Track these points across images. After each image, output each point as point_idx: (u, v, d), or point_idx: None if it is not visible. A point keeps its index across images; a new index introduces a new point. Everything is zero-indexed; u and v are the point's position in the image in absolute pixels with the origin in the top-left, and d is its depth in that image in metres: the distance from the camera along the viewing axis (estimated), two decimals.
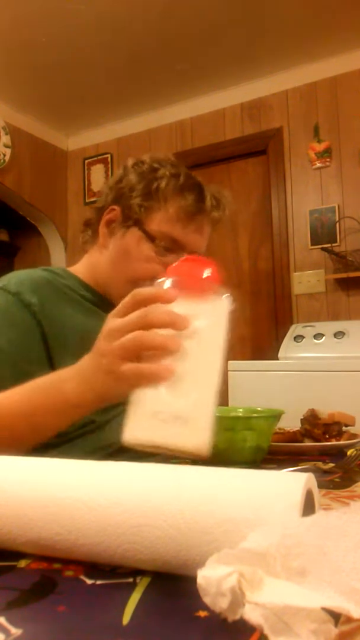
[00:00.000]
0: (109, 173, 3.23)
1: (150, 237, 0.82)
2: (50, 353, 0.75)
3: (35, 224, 3.38)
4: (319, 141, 2.64)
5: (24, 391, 0.59)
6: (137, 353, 0.48)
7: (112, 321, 0.52)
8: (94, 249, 0.90)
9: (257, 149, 2.83)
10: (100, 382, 0.52)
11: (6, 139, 2.96)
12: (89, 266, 0.90)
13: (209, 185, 0.88)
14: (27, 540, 0.35)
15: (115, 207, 0.85)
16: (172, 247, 0.82)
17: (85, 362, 0.55)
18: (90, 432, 0.76)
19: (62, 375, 0.57)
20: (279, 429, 0.84)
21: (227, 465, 0.36)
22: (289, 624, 0.22)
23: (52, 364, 0.74)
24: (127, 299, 0.52)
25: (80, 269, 0.90)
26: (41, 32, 2.38)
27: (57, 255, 3.40)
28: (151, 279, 0.79)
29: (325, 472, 0.65)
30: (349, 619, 0.24)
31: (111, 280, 0.86)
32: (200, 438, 0.42)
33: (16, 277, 0.79)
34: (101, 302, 0.86)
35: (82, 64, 2.63)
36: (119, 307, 0.53)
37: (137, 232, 0.83)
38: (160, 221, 0.83)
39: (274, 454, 0.74)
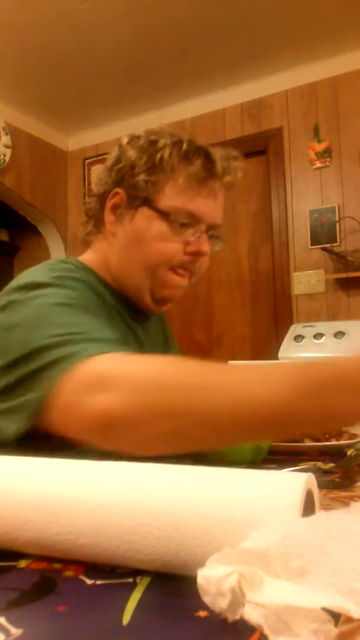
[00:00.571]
0: None
1: (164, 214, 0.75)
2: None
3: (35, 224, 3.38)
4: (319, 141, 2.64)
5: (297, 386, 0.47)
6: None
7: None
8: (99, 240, 0.82)
9: (257, 149, 2.83)
10: None
11: (6, 139, 2.96)
12: (99, 259, 0.81)
13: (215, 148, 0.81)
14: (27, 540, 0.35)
15: (118, 190, 0.77)
16: (188, 220, 0.76)
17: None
18: None
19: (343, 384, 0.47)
20: None
21: (227, 465, 0.36)
22: (289, 624, 0.22)
23: None
24: None
25: (92, 262, 0.82)
26: (41, 32, 2.38)
27: (57, 255, 3.40)
28: (170, 259, 0.77)
29: (325, 472, 0.65)
30: (349, 619, 0.24)
31: (126, 270, 0.79)
32: None
33: (62, 269, 0.72)
34: (115, 299, 0.80)
35: (82, 64, 2.63)
36: None
37: (148, 212, 0.76)
38: (170, 194, 0.76)
39: (274, 454, 0.74)
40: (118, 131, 3.27)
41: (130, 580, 0.32)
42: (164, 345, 0.94)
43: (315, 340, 2.30)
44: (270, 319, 2.78)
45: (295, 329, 2.43)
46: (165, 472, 0.35)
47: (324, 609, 0.22)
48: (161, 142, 0.77)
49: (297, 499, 0.30)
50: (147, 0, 2.18)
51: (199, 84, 2.83)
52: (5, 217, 3.46)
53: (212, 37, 2.43)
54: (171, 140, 0.77)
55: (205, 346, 2.92)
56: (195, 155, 0.77)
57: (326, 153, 2.62)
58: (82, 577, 0.33)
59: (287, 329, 2.50)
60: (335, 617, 0.23)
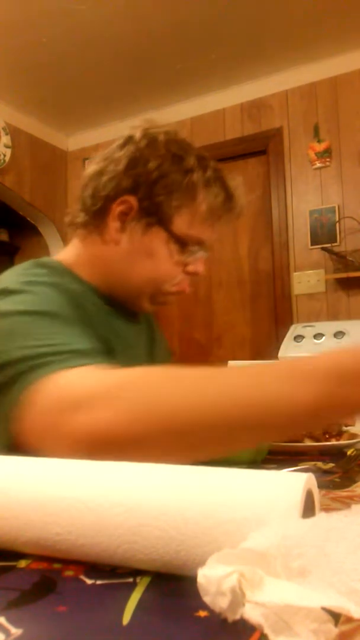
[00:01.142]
0: None
1: (182, 242, 0.74)
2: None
3: (35, 224, 3.38)
4: (319, 141, 2.64)
5: (250, 384, 0.47)
6: None
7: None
8: (94, 239, 0.77)
9: (257, 149, 2.84)
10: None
11: (6, 139, 2.96)
12: (88, 259, 0.77)
13: (225, 174, 0.79)
14: (27, 540, 0.35)
15: (129, 198, 0.72)
16: (197, 247, 0.77)
17: (339, 361, 0.46)
18: None
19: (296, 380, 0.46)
20: None
21: (227, 465, 0.36)
22: (289, 624, 0.22)
23: None
24: None
25: (75, 261, 0.77)
26: (41, 32, 2.38)
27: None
28: (173, 279, 0.77)
29: (325, 472, 0.65)
30: (349, 619, 0.24)
31: (129, 279, 0.76)
32: None
33: (33, 274, 0.69)
34: (101, 300, 0.77)
35: (82, 64, 2.63)
36: None
37: (163, 233, 0.73)
38: (188, 221, 0.74)
39: (274, 454, 0.74)
40: (118, 131, 3.25)
41: (130, 580, 0.32)
42: (150, 344, 0.93)
43: (315, 341, 2.30)
44: (270, 319, 2.78)
45: (295, 329, 2.43)
46: (166, 472, 0.35)
47: (324, 609, 0.22)
48: (188, 163, 0.73)
49: (297, 499, 0.30)
50: (147, 0, 2.18)
51: (199, 84, 2.83)
52: (5, 217, 3.46)
53: (212, 37, 2.43)
54: (197, 162, 0.74)
55: (205, 346, 2.92)
56: (218, 184, 0.75)
57: (326, 153, 2.62)
58: (82, 577, 0.33)
59: (287, 329, 2.50)
60: (336, 617, 0.23)
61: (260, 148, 2.83)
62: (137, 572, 0.33)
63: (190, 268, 0.78)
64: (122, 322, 0.80)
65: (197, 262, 0.79)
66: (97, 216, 0.76)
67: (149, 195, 0.72)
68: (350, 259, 2.46)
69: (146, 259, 0.75)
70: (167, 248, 0.74)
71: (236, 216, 0.80)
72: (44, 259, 0.77)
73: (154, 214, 0.73)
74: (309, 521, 0.26)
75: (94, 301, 0.75)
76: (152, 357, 0.87)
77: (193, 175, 0.72)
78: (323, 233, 2.61)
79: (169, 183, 0.72)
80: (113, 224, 0.74)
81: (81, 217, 0.77)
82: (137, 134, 0.74)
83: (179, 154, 0.73)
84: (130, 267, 0.76)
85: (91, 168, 0.77)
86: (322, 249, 2.53)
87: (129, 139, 0.74)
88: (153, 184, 0.72)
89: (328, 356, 0.47)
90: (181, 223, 0.74)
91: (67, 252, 0.80)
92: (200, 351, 2.92)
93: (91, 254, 0.77)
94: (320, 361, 0.46)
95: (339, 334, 2.26)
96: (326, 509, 0.47)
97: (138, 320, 0.86)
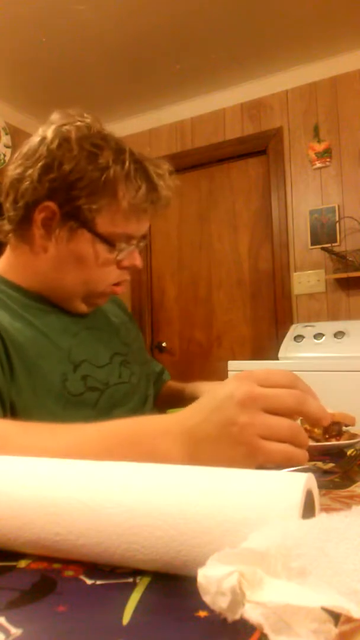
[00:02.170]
0: None
1: (109, 242, 0.73)
2: (11, 364, 0.68)
3: None
4: (319, 141, 2.64)
5: (99, 437, 0.48)
6: (277, 441, 0.42)
7: (255, 388, 0.43)
8: (22, 247, 0.76)
9: (257, 149, 2.84)
10: (220, 450, 0.43)
11: (6, 139, 2.96)
12: (19, 267, 0.77)
13: (146, 159, 0.76)
14: (27, 541, 0.35)
15: (49, 203, 0.71)
16: (126, 242, 0.75)
17: (188, 420, 0.45)
18: None
19: (148, 429, 0.47)
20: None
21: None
22: (289, 624, 0.22)
23: (11, 375, 0.68)
24: (278, 373, 0.44)
25: (8, 270, 0.78)
26: (41, 32, 2.38)
27: None
28: (109, 280, 0.76)
29: (325, 472, 0.65)
30: (350, 619, 0.24)
31: (61, 285, 0.76)
32: None
33: None
34: (34, 301, 0.77)
35: (82, 64, 2.63)
36: (263, 375, 0.44)
37: (88, 235, 0.72)
38: (113, 221, 0.72)
39: None
40: (118, 131, 3.25)
41: (130, 580, 0.32)
42: (123, 325, 0.93)
43: (316, 340, 2.30)
44: (270, 319, 2.78)
45: (295, 329, 2.43)
46: (165, 472, 0.35)
47: (324, 609, 0.22)
48: (102, 160, 0.70)
49: (297, 499, 0.30)
50: (147, 0, 2.18)
51: (198, 84, 2.83)
52: None
53: (212, 37, 2.43)
54: (113, 156, 0.71)
55: (205, 346, 2.92)
56: (138, 178, 0.72)
57: (326, 153, 2.62)
58: (82, 577, 0.33)
59: (287, 329, 2.50)
60: (336, 617, 0.23)
61: (260, 148, 2.83)
62: (137, 572, 0.33)
63: (125, 263, 0.78)
64: (51, 314, 0.78)
65: (132, 256, 0.78)
66: (21, 225, 0.75)
67: (68, 199, 0.70)
68: (351, 259, 2.46)
69: (76, 264, 0.74)
70: (94, 250, 0.73)
71: (162, 206, 0.77)
72: None
73: (76, 217, 0.71)
74: (310, 522, 0.26)
75: (20, 301, 0.75)
76: (94, 339, 0.83)
77: (110, 172, 0.70)
78: (323, 233, 2.61)
79: (87, 184, 0.70)
80: (37, 232, 0.73)
81: (7, 226, 0.77)
82: (49, 134, 0.72)
83: (94, 152, 0.70)
84: (60, 274, 0.75)
85: (10, 173, 0.75)
86: (322, 249, 2.53)
87: (42, 141, 0.72)
88: (70, 187, 0.70)
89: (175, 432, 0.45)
90: (105, 222, 0.72)
91: (2, 261, 0.81)
92: (200, 351, 2.92)
93: (22, 262, 0.77)
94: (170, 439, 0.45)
95: (339, 334, 2.26)
96: (326, 509, 0.47)
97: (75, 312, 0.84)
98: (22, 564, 0.35)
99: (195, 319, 2.97)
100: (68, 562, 0.35)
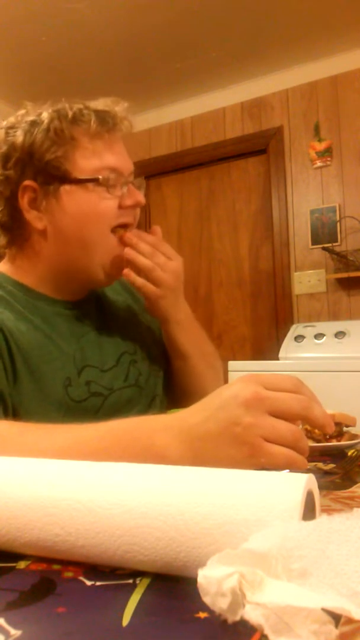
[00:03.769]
0: None
1: (90, 180, 0.72)
2: (15, 368, 0.68)
3: None
4: (320, 140, 2.64)
5: (97, 436, 0.48)
6: (280, 444, 0.42)
7: (261, 390, 0.43)
8: (25, 251, 0.77)
9: (257, 148, 2.83)
10: (222, 448, 0.43)
11: None
12: (24, 264, 0.77)
13: (96, 102, 0.78)
14: (27, 542, 0.35)
15: (26, 182, 0.72)
16: (112, 176, 0.73)
17: (190, 418, 0.45)
18: None
19: (147, 426, 0.48)
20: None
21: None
22: (290, 625, 0.22)
23: (15, 379, 0.68)
24: (283, 378, 0.45)
25: (11, 268, 0.79)
26: (40, 30, 2.37)
27: None
28: (110, 218, 0.73)
29: (326, 472, 0.65)
30: (350, 620, 0.24)
31: (72, 257, 0.75)
32: None
33: None
34: (41, 302, 0.77)
35: (81, 63, 2.63)
36: (269, 378, 0.44)
37: (71, 187, 0.72)
38: (83, 161, 0.72)
39: None
40: None
41: (130, 581, 0.32)
42: (134, 318, 0.91)
43: (316, 341, 2.30)
44: (270, 319, 2.77)
45: (295, 329, 2.43)
46: (166, 473, 0.35)
47: (325, 610, 0.22)
48: (44, 117, 0.73)
49: (297, 500, 0.30)
50: None
51: (198, 83, 2.83)
52: None
53: (212, 35, 2.43)
54: (51, 111, 0.73)
55: None
56: (84, 114, 0.73)
57: (327, 152, 2.62)
58: (82, 578, 0.33)
59: (288, 329, 2.50)
60: (336, 618, 0.23)
61: (260, 147, 2.83)
62: (137, 574, 0.33)
63: (127, 201, 0.76)
64: (57, 316, 0.78)
65: (131, 192, 0.76)
66: (15, 224, 0.76)
67: (36, 166, 0.72)
68: (351, 258, 2.46)
69: (75, 221, 0.73)
70: (86, 196, 0.73)
71: (123, 127, 0.78)
72: None
73: (52, 178, 0.72)
74: (311, 523, 0.26)
75: (27, 303, 0.75)
76: (99, 342, 0.82)
77: (55, 123, 0.72)
78: (324, 232, 2.60)
79: (41, 142, 0.71)
80: (30, 216, 0.74)
81: (2, 238, 0.78)
82: (2, 123, 0.76)
83: (34, 119, 0.73)
84: (65, 246, 0.75)
85: None
86: (323, 248, 2.52)
87: None
88: (31, 155, 0.72)
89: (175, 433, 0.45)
90: (78, 166, 0.72)
91: (1, 265, 0.81)
92: None
93: (26, 258, 0.77)
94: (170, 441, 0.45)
95: (339, 334, 2.26)
96: (327, 509, 0.47)
97: (86, 310, 0.84)
98: (22, 565, 0.35)
99: (196, 319, 2.97)
100: (68, 563, 0.35)
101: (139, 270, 0.79)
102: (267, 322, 2.79)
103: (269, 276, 2.79)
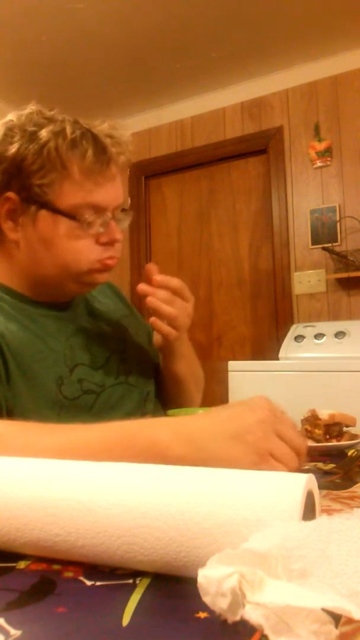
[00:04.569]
0: None
1: (68, 215, 0.71)
2: (8, 369, 0.68)
3: None
4: (320, 140, 2.64)
5: (99, 436, 0.48)
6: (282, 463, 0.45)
7: (275, 411, 0.47)
8: (2, 251, 0.77)
9: (257, 148, 2.83)
10: (228, 452, 0.44)
11: None
12: (5, 270, 0.78)
13: (95, 123, 0.75)
14: (27, 542, 0.35)
15: (9, 194, 0.72)
16: (93, 213, 0.72)
17: (198, 421, 0.48)
18: None
19: (150, 424, 0.49)
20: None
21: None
22: (290, 625, 0.22)
23: (8, 379, 0.68)
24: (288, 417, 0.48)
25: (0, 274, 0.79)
26: (41, 30, 2.37)
27: None
28: (85, 258, 0.73)
29: (326, 472, 0.65)
30: (350, 620, 0.24)
31: (43, 273, 0.75)
32: None
33: None
34: (28, 305, 0.77)
35: (81, 63, 2.63)
36: (277, 407, 0.48)
37: (49, 215, 0.71)
38: (68, 192, 0.71)
39: None
40: None
41: (130, 581, 0.32)
42: (122, 320, 0.91)
43: (316, 341, 2.30)
44: (270, 319, 2.77)
45: (295, 329, 2.43)
46: (166, 473, 0.35)
47: (325, 610, 0.22)
48: (43, 134, 0.70)
49: (297, 500, 0.30)
50: None
51: (198, 82, 2.83)
52: None
53: (212, 35, 2.43)
54: (52, 128, 0.71)
55: (205, 346, 2.92)
56: (83, 142, 0.71)
57: (327, 152, 2.62)
58: (82, 578, 0.33)
59: (288, 329, 2.50)
60: (336, 618, 0.23)
61: (260, 147, 2.83)
62: (136, 574, 0.33)
63: (103, 238, 0.75)
64: (45, 317, 0.78)
65: (109, 230, 0.75)
66: None
67: (21, 183, 0.71)
68: (351, 258, 2.46)
69: (46, 248, 0.73)
70: (59, 228, 0.72)
71: (119, 165, 0.75)
72: None
73: (33, 199, 0.71)
74: (311, 523, 0.26)
75: (13, 304, 0.75)
76: (88, 340, 0.82)
77: (51, 144, 0.69)
78: (324, 233, 2.60)
79: (32, 162, 0.70)
80: (5, 226, 0.74)
81: None
82: (6, 118, 0.74)
83: (34, 130, 0.71)
84: (36, 263, 0.74)
85: None
86: (323, 248, 2.52)
87: None
88: (19, 170, 0.70)
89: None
90: (62, 197, 0.71)
91: None
92: (200, 351, 2.91)
93: (6, 263, 0.78)
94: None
95: (339, 334, 2.26)
96: (327, 509, 0.47)
97: (73, 310, 0.84)
98: (22, 565, 0.35)
99: (196, 319, 2.95)
100: (68, 563, 0.35)
101: (160, 317, 0.79)
102: (267, 322, 2.79)
103: (269, 276, 2.79)
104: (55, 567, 0.34)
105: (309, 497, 0.33)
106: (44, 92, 2.92)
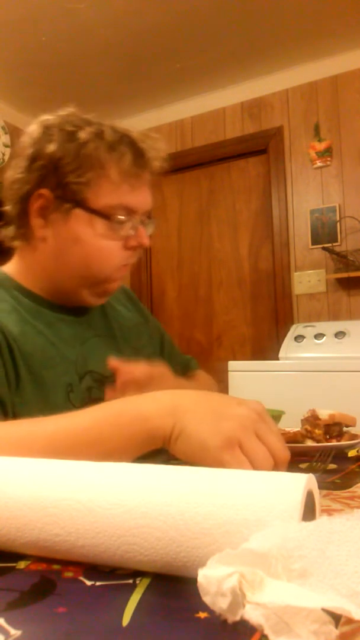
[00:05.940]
0: None
1: (104, 215, 0.72)
2: (18, 374, 0.68)
3: None
4: (320, 140, 2.64)
5: (84, 416, 0.50)
6: (250, 461, 0.45)
7: (268, 419, 0.47)
8: (26, 247, 0.77)
9: (257, 148, 2.83)
10: (199, 426, 0.46)
11: (5, 138, 2.96)
12: (26, 269, 0.78)
13: (132, 131, 0.76)
14: (27, 542, 0.35)
15: (42, 191, 0.72)
16: (125, 216, 0.73)
17: (185, 395, 0.49)
18: None
19: (139, 398, 0.50)
20: (280, 429, 0.83)
21: None
22: (290, 625, 0.22)
23: (17, 385, 0.68)
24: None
25: (16, 272, 0.79)
26: (41, 31, 2.37)
27: None
28: (113, 259, 0.74)
29: (326, 472, 0.65)
30: (350, 620, 0.24)
31: (66, 273, 0.75)
32: None
33: None
34: (45, 308, 0.77)
35: (82, 63, 2.63)
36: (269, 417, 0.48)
37: (83, 213, 0.72)
38: (104, 192, 0.71)
39: None
40: None
41: (130, 581, 0.32)
42: (135, 328, 0.91)
43: (316, 341, 2.30)
44: (270, 319, 2.77)
45: (295, 329, 2.43)
46: (166, 473, 0.35)
47: (325, 610, 0.22)
48: (82, 135, 0.71)
49: (297, 500, 0.30)
50: None
51: (198, 82, 2.83)
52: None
53: (212, 35, 2.43)
54: (92, 130, 0.72)
55: (205, 346, 2.92)
56: (122, 146, 0.72)
57: (327, 152, 2.62)
58: (82, 578, 0.33)
59: (288, 329, 2.50)
60: (336, 618, 0.23)
61: (260, 147, 2.82)
62: (136, 574, 0.33)
63: (132, 242, 0.76)
64: (61, 322, 0.78)
65: (138, 234, 0.76)
66: (20, 222, 0.75)
67: (57, 180, 0.71)
68: (351, 258, 2.46)
69: (75, 245, 0.73)
70: (92, 227, 0.72)
71: (155, 170, 0.77)
72: None
73: (68, 197, 0.71)
74: (311, 524, 0.26)
75: (31, 307, 0.76)
76: (103, 347, 0.83)
77: (91, 145, 0.70)
78: (324, 232, 2.60)
79: (70, 161, 0.70)
80: (35, 222, 0.74)
81: (10, 231, 0.77)
82: (33, 128, 0.75)
83: (73, 130, 0.72)
84: (62, 261, 0.75)
85: (6, 176, 0.77)
86: (323, 248, 2.52)
87: (27, 136, 0.75)
88: (56, 168, 0.71)
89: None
90: (97, 196, 0.71)
91: (9, 266, 0.81)
92: (200, 351, 2.92)
93: (29, 262, 0.78)
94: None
95: (339, 334, 2.26)
96: (327, 509, 0.47)
97: (89, 316, 0.84)
98: (22, 565, 0.35)
99: (196, 319, 2.97)
100: (67, 563, 0.35)
101: None
102: (267, 322, 2.79)
103: (269, 276, 2.79)
104: (55, 567, 0.34)
105: (309, 497, 0.33)
106: (44, 93, 2.92)
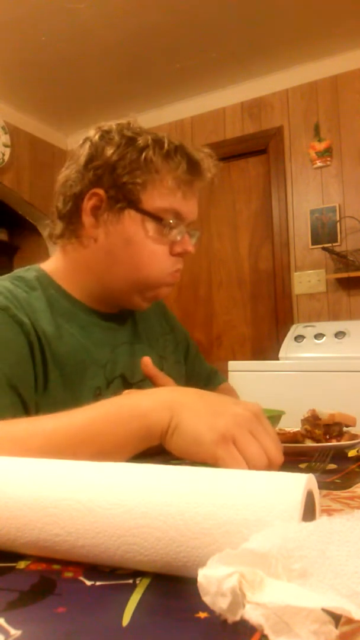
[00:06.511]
0: None
1: (155, 217, 0.74)
2: (47, 376, 0.69)
3: (34, 223, 3.38)
4: (320, 140, 2.64)
5: (83, 414, 0.51)
6: (244, 459, 0.45)
7: (265, 421, 0.48)
8: (73, 244, 0.78)
9: (257, 148, 2.83)
10: (195, 422, 0.46)
11: (5, 138, 2.96)
12: (70, 269, 0.79)
13: (186, 144, 0.78)
14: (27, 542, 0.35)
15: (97, 190, 0.74)
16: (175, 221, 0.75)
17: (184, 392, 0.51)
18: None
19: (138, 394, 0.52)
20: (280, 429, 0.83)
21: None
22: (290, 625, 0.22)
23: (45, 386, 0.69)
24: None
25: (56, 270, 0.79)
26: (41, 31, 2.37)
27: None
28: (161, 264, 0.75)
29: (326, 472, 0.65)
30: (350, 620, 0.24)
31: (115, 274, 0.76)
32: None
33: None
34: (80, 311, 0.78)
35: (82, 63, 2.63)
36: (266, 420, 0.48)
37: (135, 214, 0.74)
38: (157, 196, 0.74)
39: None
40: None
41: (130, 581, 0.32)
42: (162, 338, 0.92)
43: (316, 341, 2.30)
44: (270, 319, 2.77)
45: (295, 329, 2.43)
46: (166, 473, 0.35)
47: (325, 610, 0.22)
48: (141, 140, 0.73)
49: (297, 500, 0.30)
50: None
51: (199, 82, 2.83)
52: (5, 216, 3.45)
53: (212, 35, 2.43)
54: (151, 137, 0.74)
55: (205, 346, 2.91)
56: (178, 156, 0.74)
57: (327, 152, 2.62)
58: (82, 578, 0.33)
59: (288, 329, 2.50)
60: (336, 618, 0.23)
61: (260, 147, 2.83)
62: (136, 574, 0.33)
63: (178, 248, 0.77)
64: (93, 326, 0.79)
65: (183, 240, 0.77)
66: (71, 219, 0.77)
67: (113, 181, 0.73)
68: (351, 258, 2.46)
69: (126, 246, 0.74)
70: (143, 228, 0.74)
71: (206, 181, 0.78)
72: (21, 272, 0.79)
73: (122, 198, 0.73)
74: (311, 524, 0.26)
75: (66, 309, 0.76)
76: (132, 354, 0.84)
77: (149, 151, 0.73)
78: (324, 232, 2.60)
79: (127, 163, 0.72)
80: (87, 220, 0.75)
81: (58, 227, 0.79)
82: (92, 133, 0.77)
83: (133, 136, 0.74)
84: (112, 261, 0.76)
85: (59, 177, 0.78)
86: (323, 248, 2.52)
87: (86, 139, 0.77)
88: (113, 169, 0.73)
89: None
90: (151, 198, 0.74)
91: (49, 264, 0.82)
92: (200, 351, 2.92)
93: (73, 261, 0.79)
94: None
95: (339, 334, 2.26)
96: (327, 509, 0.47)
97: (121, 322, 0.85)
98: (22, 565, 0.35)
99: (196, 319, 2.97)
100: (67, 563, 0.35)
101: None
102: (267, 322, 2.79)
103: (269, 276, 2.79)
104: (55, 567, 0.34)
105: (309, 497, 0.33)
106: (44, 92, 2.92)
